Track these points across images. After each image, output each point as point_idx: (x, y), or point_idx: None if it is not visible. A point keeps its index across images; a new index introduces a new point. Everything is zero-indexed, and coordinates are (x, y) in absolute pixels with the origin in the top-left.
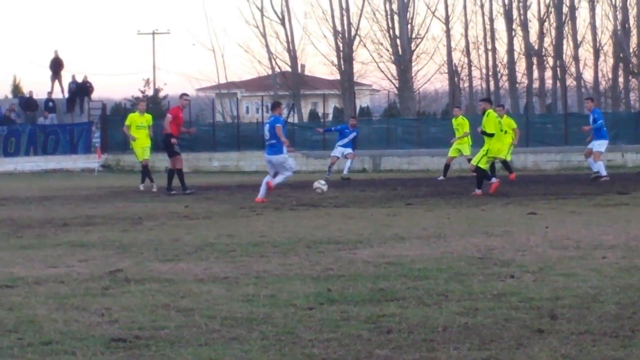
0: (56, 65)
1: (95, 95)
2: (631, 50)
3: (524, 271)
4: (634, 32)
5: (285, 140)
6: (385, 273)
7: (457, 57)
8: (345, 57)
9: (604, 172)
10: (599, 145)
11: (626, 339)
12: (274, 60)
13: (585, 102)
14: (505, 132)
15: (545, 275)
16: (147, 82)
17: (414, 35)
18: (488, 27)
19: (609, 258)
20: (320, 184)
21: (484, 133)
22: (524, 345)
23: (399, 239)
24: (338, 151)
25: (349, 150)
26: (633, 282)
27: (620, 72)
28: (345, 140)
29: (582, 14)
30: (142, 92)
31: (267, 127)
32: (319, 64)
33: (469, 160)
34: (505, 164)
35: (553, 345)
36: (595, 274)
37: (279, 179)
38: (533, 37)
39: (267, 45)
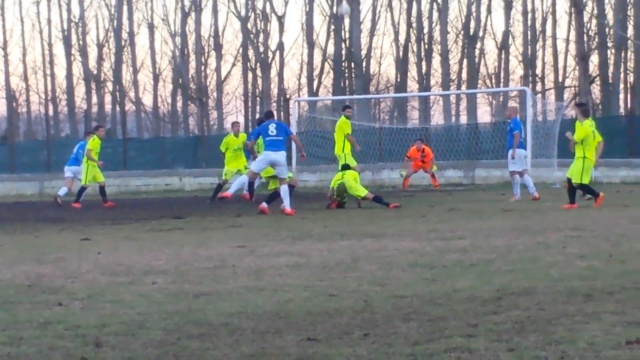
0: None
1: None
2: (190, 75)
3: (72, 298)
4: (192, 57)
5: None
6: None
7: (15, 82)
8: None
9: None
10: None
11: None
12: None
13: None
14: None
15: (93, 302)
16: None
17: None
18: (47, 52)
19: (159, 283)
20: None
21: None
22: None
23: None
24: None
25: None
26: (180, 308)
27: (179, 97)
28: None
29: (142, 40)
30: None
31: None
32: None
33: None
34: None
35: None
36: (144, 300)
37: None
38: (92, 62)
39: None
